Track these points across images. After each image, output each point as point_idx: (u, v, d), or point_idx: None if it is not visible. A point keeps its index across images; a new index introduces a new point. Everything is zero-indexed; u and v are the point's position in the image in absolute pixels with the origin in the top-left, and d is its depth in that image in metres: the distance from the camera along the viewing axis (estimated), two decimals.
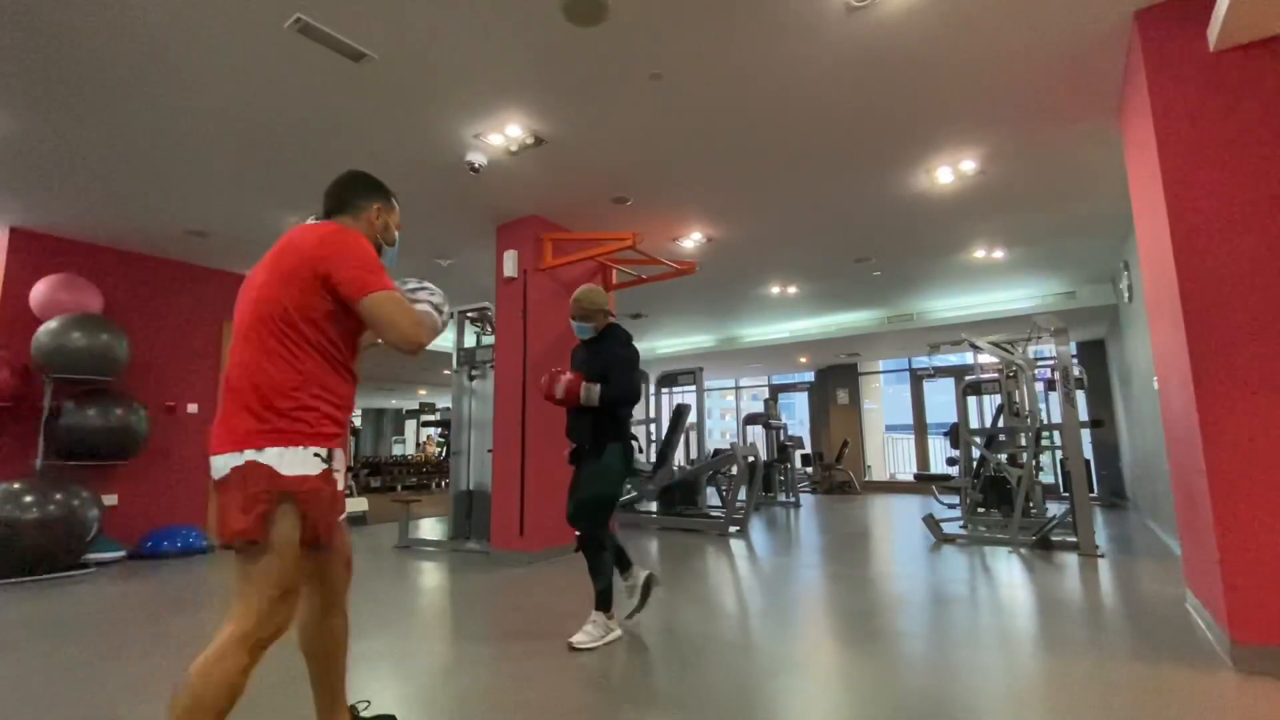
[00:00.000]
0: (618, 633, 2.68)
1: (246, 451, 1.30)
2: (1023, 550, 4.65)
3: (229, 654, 1.26)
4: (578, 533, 2.70)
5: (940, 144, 3.76)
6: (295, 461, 1.32)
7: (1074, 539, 4.63)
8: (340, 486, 1.45)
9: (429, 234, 5.16)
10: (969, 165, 4.02)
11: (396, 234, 1.67)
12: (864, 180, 4.27)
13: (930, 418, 11.32)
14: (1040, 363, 6.97)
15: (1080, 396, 8.23)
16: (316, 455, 1.35)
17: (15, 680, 2.26)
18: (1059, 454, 7.14)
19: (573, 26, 2.65)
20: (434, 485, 14.17)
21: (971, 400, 9.05)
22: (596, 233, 4.93)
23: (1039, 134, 3.65)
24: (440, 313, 1.58)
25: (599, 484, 2.66)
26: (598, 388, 2.64)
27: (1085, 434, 8.13)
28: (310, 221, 1.52)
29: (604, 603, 2.67)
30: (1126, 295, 5.60)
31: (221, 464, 1.33)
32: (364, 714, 1.80)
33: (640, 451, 8.95)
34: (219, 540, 1.35)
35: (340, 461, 1.44)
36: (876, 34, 2.74)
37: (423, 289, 1.61)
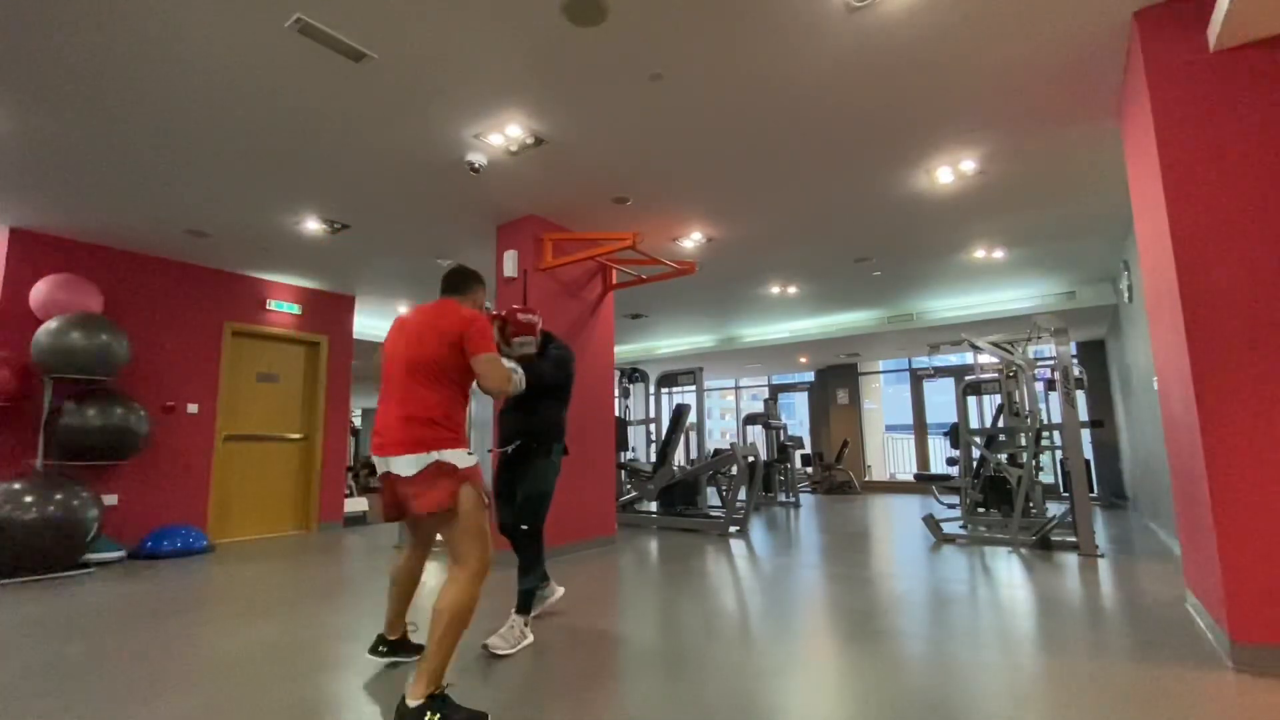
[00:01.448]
0: (531, 639, 2.63)
1: (433, 453, 1.95)
2: (1023, 550, 4.64)
3: (474, 584, 1.94)
4: (524, 526, 2.75)
5: (940, 144, 3.77)
6: (462, 457, 1.99)
7: (1074, 539, 4.63)
8: None
9: (429, 234, 5.16)
10: (969, 165, 4.03)
11: (485, 304, 2.47)
12: (864, 180, 4.27)
13: (930, 418, 11.32)
14: (1040, 363, 6.97)
15: (1080, 396, 8.24)
16: (469, 454, 2.03)
17: (15, 680, 2.26)
18: (1059, 454, 7.15)
19: (573, 26, 2.65)
20: None
21: (971, 400, 9.06)
22: (596, 233, 4.93)
23: (1039, 134, 3.65)
24: (517, 373, 2.44)
25: (547, 479, 2.82)
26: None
27: (1085, 434, 8.15)
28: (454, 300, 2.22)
29: (525, 605, 2.67)
30: (1126, 295, 5.60)
31: (412, 462, 1.94)
32: (411, 635, 2.47)
33: (634, 450, 8.94)
34: (407, 513, 2.06)
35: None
36: (877, 34, 2.74)
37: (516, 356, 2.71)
